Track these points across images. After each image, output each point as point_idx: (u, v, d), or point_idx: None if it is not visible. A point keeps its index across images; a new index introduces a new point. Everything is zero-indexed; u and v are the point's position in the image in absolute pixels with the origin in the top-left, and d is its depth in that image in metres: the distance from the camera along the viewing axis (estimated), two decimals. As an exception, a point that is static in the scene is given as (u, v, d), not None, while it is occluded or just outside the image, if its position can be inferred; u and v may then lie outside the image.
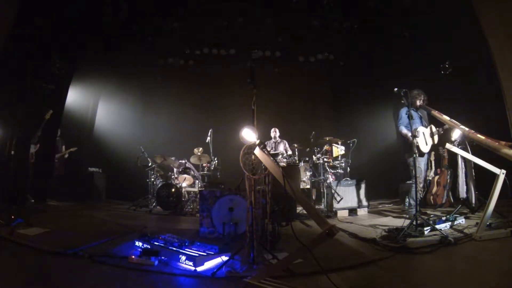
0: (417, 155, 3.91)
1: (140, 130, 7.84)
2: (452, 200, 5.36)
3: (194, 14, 7.09)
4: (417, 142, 3.98)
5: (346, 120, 8.16)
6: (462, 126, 3.64)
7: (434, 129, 4.34)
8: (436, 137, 4.42)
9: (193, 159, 6.16)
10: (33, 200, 5.67)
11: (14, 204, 4.84)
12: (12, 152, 5.36)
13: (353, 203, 5.28)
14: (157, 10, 6.85)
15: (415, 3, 6.13)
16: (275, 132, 6.55)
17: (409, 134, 4.03)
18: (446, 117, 3.85)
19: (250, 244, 2.48)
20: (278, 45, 8.05)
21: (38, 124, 5.83)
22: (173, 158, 6.24)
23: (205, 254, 2.54)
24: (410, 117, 3.83)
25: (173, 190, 5.71)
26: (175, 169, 6.14)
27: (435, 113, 4.09)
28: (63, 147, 6.71)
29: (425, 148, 4.30)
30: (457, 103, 5.72)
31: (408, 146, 4.31)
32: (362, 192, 5.41)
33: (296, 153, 6.18)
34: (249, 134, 2.65)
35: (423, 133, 4.31)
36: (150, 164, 6.29)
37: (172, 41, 7.75)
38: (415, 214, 3.51)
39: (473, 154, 3.85)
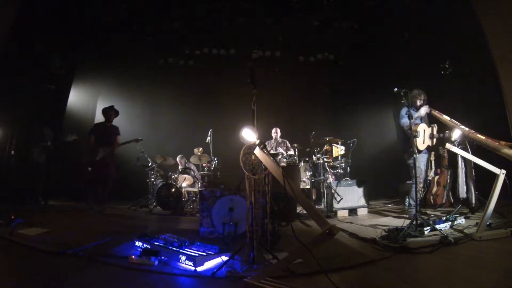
0: (416, 154, 3.92)
1: (140, 130, 7.80)
2: (452, 200, 5.35)
3: (195, 14, 7.09)
4: (417, 135, 4.00)
5: (346, 120, 8.14)
6: (462, 126, 3.64)
7: (435, 132, 4.32)
8: (434, 140, 4.41)
9: (193, 159, 6.16)
10: (41, 200, 5.67)
11: (14, 204, 4.84)
12: (12, 152, 5.37)
13: (353, 203, 5.28)
14: (157, 10, 6.85)
15: (415, 3, 6.13)
16: (276, 132, 6.55)
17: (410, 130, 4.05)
18: (446, 117, 3.86)
19: (250, 244, 2.48)
20: (278, 45, 8.05)
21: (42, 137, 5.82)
22: (178, 158, 6.22)
23: (205, 254, 2.54)
24: (410, 117, 3.83)
25: (173, 190, 5.71)
26: (179, 167, 6.11)
27: (435, 113, 4.09)
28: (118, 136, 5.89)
29: (421, 146, 4.30)
30: (457, 103, 5.72)
31: (407, 145, 4.31)
32: (362, 192, 5.40)
33: (296, 153, 6.18)
34: (249, 134, 2.64)
35: (424, 130, 4.31)
36: (150, 164, 6.28)
37: (172, 41, 7.75)
38: (415, 214, 3.51)
39: (473, 154, 3.85)
